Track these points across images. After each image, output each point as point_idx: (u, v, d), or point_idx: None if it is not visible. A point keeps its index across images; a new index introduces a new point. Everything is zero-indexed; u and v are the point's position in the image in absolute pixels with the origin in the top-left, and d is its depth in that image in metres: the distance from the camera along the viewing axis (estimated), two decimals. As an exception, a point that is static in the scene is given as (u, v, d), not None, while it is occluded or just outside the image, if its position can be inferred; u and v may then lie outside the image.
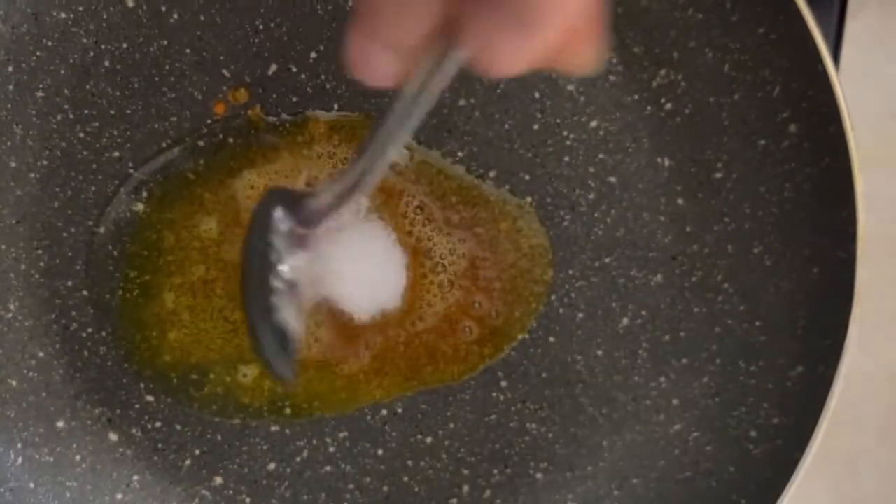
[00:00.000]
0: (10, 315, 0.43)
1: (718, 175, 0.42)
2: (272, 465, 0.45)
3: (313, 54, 0.42)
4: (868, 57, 0.51)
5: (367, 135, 0.30)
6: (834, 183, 0.38)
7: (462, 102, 0.43)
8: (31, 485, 0.43)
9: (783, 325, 0.41)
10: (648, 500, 0.43)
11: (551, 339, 0.44)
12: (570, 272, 0.44)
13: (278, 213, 0.32)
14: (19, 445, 0.44)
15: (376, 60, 0.22)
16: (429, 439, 0.45)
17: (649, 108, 0.42)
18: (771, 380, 0.41)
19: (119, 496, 0.44)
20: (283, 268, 0.32)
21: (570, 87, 0.42)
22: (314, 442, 0.45)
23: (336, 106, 0.43)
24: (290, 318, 0.33)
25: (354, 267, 0.38)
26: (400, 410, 0.45)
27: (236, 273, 0.43)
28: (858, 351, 0.38)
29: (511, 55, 0.20)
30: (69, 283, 0.43)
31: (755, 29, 0.39)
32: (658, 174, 0.43)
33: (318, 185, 0.43)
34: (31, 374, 0.44)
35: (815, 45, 0.36)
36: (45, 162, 0.42)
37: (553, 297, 0.44)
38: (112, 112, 0.42)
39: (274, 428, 0.44)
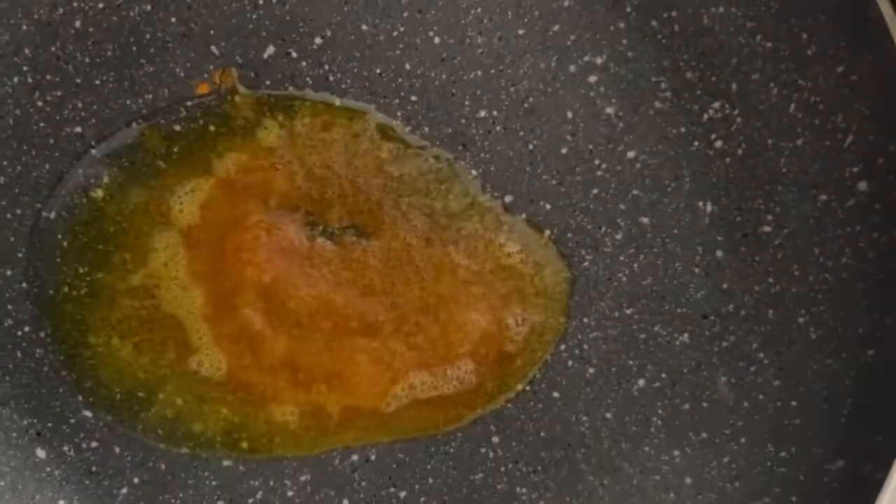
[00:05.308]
0: (-66, 302, 0.40)
1: (767, 228, 0.39)
2: (220, 504, 0.41)
3: (318, 39, 0.40)
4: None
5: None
6: (905, 255, 0.36)
7: (483, 113, 0.40)
8: (-61, 501, 0.40)
9: (824, 410, 0.39)
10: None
11: (555, 394, 0.42)
12: (585, 320, 0.42)
13: None
14: (-72, 454, 0.41)
15: None
16: (402, 493, 0.42)
17: (696, 143, 0.40)
18: (803, 470, 0.39)
19: (40, 521, 0.41)
20: None
21: (609, 110, 0.40)
22: (271, 483, 0.42)
23: (338, 100, 0.40)
24: None
25: None
26: (373, 457, 0.42)
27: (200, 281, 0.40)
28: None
29: None
30: (8, 273, 0.40)
31: (833, 67, 0.37)
32: (698, 220, 0.40)
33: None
34: (-48, 372, 0.41)
35: (907, 93, 0.34)
36: (-7, 130, 0.39)
37: (562, 347, 0.42)
38: (78, 81, 0.40)
39: (227, 462, 0.42)
